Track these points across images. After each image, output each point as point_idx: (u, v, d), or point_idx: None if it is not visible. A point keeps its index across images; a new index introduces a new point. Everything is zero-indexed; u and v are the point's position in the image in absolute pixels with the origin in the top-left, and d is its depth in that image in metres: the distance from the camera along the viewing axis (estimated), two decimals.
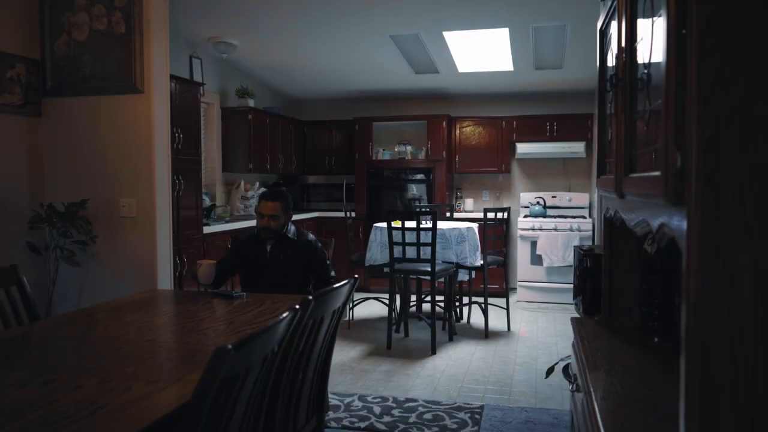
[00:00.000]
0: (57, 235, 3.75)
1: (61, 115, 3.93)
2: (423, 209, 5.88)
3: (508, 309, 5.49)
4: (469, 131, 7.06)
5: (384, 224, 5.42)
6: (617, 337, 1.84)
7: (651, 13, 1.21)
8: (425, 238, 4.70)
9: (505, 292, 5.68)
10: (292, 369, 1.76)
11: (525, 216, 6.81)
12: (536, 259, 6.60)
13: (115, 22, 3.83)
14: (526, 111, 6.94)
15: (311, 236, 3.49)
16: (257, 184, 6.49)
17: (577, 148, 6.77)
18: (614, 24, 1.52)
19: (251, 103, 6.19)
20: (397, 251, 4.82)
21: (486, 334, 5.19)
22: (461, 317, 5.74)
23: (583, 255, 2.26)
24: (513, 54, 5.65)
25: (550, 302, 6.52)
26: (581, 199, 6.99)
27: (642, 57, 1.25)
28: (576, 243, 6.46)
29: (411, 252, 4.78)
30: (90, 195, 3.85)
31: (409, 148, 7.17)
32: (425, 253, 4.75)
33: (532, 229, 6.63)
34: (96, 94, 3.86)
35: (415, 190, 7.13)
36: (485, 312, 5.24)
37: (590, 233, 6.50)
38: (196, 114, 4.72)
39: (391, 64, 6.08)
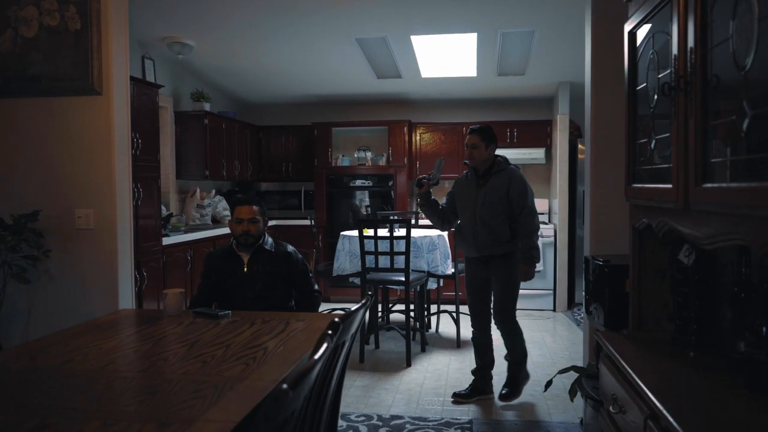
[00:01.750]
0: (5, 250, 3.40)
1: (7, 118, 3.57)
2: (395, 217, 5.75)
3: None
4: (429, 137, 6.99)
5: (352, 233, 5.26)
6: (656, 354, 1.76)
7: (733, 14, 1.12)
8: (398, 247, 4.57)
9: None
10: (319, 400, 1.58)
11: None
12: None
13: (69, 17, 3.52)
14: (486, 117, 6.93)
15: (290, 247, 3.29)
16: (213, 191, 6.19)
17: (537, 154, 6.81)
18: (674, 25, 1.43)
19: (207, 107, 5.90)
20: (369, 260, 4.66)
21: (458, 344, 5.09)
22: (430, 327, 5.63)
23: (601, 266, 2.17)
24: (478, 60, 5.61)
25: (518, 308, 6.48)
26: (541, 205, 7.03)
27: (733, 58, 1.15)
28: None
29: (383, 261, 4.64)
30: (42, 206, 3.51)
31: (369, 154, 7.03)
32: (398, 262, 4.63)
33: None
34: (48, 95, 3.53)
35: (367, 199, 6.98)
36: (457, 321, 5.14)
37: (552, 239, 6.53)
38: (154, 118, 4.42)
39: (353, 69, 5.93)
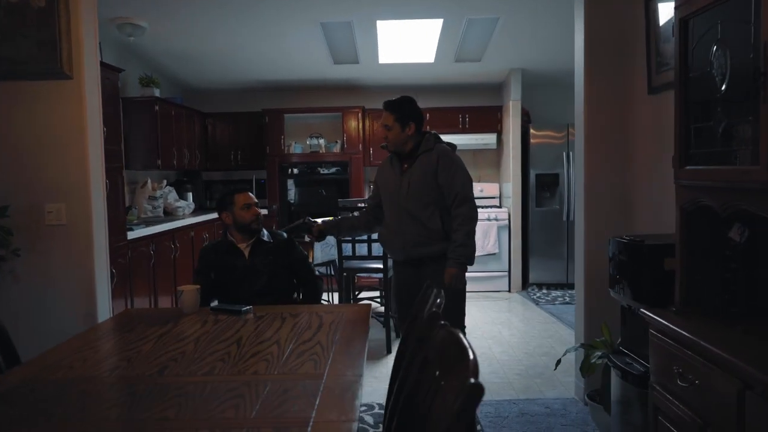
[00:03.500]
0: None
1: None
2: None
3: None
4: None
5: (320, 220, 5.19)
6: (711, 327, 1.83)
7: None
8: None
9: None
10: None
11: None
12: None
13: None
14: (439, 103, 6.98)
15: (285, 234, 3.21)
16: (165, 182, 5.88)
17: (489, 139, 6.95)
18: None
19: (157, 92, 5.59)
20: (345, 249, 4.61)
21: None
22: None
23: (637, 246, 2.25)
24: (439, 46, 5.63)
25: (473, 291, 6.63)
26: (492, 189, 7.20)
27: None
28: (494, 232, 6.64)
29: (359, 249, 4.60)
30: (8, 201, 3.20)
31: (322, 141, 6.91)
32: (372, 249, 4.60)
33: None
34: (10, 78, 3.21)
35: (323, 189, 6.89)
36: None
37: (506, 222, 6.70)
38: (116, 104, 4.13)
39: (310, 53, 5.79)
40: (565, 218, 6.66)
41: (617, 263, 2.39)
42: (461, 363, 1.09)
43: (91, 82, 3.30)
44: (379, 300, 5.51)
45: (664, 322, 1.92)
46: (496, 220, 6.66)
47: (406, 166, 3.05)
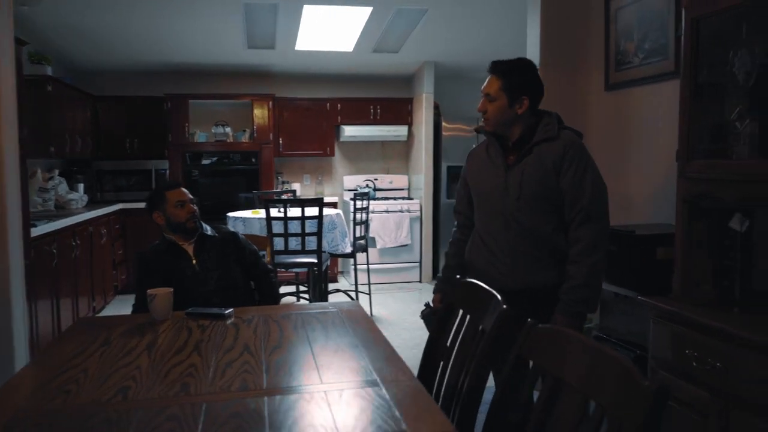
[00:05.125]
0: None
1: None
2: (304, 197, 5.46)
3: (370, 293, 5.44)
4: (294, 112, 6.73)
5: (243, 213, 4.93)
6: (712, 312, 1.94)
7: None
8: (295, 228, 4.36)
9: (354, 278, 5.59)
10: None
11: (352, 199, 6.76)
12: (370, 242, 6.64)
13: None
14: (351, 93, 6.88)
15: (229, 228, 2.99)
16: (56, 171, 5.26)
17: (401, 131, 6.98)
18: None
19: (49, 71, 4.97)
20: (277, 243, 4.39)
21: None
22: None
23: (630, 236, 2.34)
24: (361, 35, 5.53)
25: (387, 282, 6.64)
26: (401, 181, 7.24)
27: None
28: (406, 224, 6.69)
29: (293, 243, 4.41)
30: None
31: (228, 129, 6.54)
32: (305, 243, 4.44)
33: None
34: None
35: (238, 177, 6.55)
36: (356, 299, 5.10)
37: (418, 213, 6.78)
38: (20, 82, 3.59)
39: (223, 36, 5.45)
40: None
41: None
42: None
43: (5, 57, 2.85)
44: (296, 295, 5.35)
45: (675, 309, 2.01)
46: (409, 211, 6.71)
47: (512, 158, 2.19)
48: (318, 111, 6.77)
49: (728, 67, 1.86)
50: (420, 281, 6.86)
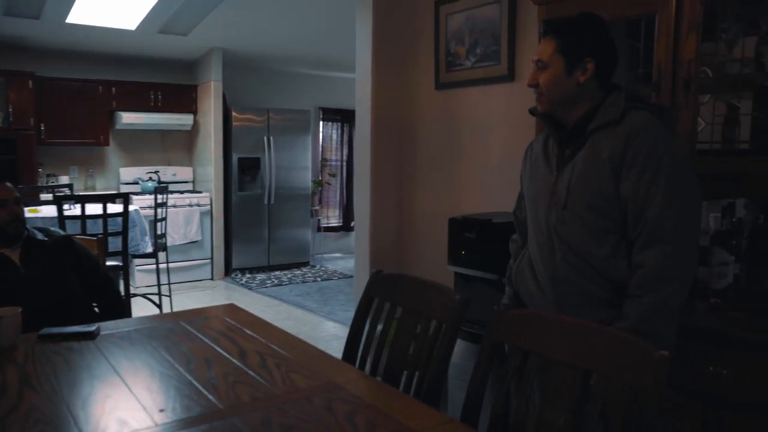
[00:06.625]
0: None
1: None
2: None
3: (170, 295, 5.04)
4: (60, 95, 5.85)
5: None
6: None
7: None
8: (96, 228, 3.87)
9: (155, 278, 5.13)
10: None
11: (137, 193, 6.17)
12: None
13: None
14: (129, 77, 6.23)
15: (62, 231, 2.58)
16: None
17: (186, 120, 6.55)
18: None
19: None
20: None
21: None
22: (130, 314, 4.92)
23: (483, 223, 2.56)
24: (150, 13, 5.03)
25: (179, 282, 6.19)
26: (185, 173, 6.81)
27: None
28: (196, 219, 6.33)
29: None
30: None
31: None
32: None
33: (150, 207, 6.09)
34: None
35: None
36: (159, 305, 4.69)
37: (209, 207, 6.45)
38: None
39: None
40: (266, 202, 6.77)
41: (463, 241, 2.66)
42: None
43: None
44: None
45: None
46: (198, 205, 6.35)
47: (568, 151, 1.62)
48: (89, 94, 5.99)
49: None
50: (212, 278, 6.55)
